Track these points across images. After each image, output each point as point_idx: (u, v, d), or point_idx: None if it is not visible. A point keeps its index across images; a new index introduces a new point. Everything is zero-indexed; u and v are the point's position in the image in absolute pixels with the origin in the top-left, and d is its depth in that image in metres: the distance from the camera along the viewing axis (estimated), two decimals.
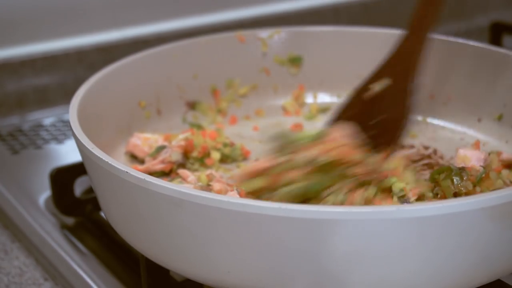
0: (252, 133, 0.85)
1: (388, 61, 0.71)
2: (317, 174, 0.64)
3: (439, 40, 0.86)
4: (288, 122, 0.87)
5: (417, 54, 0.69)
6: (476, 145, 0.74)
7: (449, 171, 0.67)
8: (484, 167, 0.70)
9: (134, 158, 0.78)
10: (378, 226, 0.51)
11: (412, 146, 0.81)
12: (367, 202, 0.64)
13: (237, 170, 0.77)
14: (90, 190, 0.79)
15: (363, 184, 0.65)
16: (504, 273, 0.59)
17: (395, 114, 0.69)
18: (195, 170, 0.76)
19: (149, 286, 0.64)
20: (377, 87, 0.65)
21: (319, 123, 0.85)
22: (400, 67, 0.69)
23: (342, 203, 0.63)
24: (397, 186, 0.67)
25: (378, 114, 0.69)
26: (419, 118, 0.86)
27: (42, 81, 1.06)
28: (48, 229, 0.76)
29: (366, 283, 0.54)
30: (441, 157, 0.79)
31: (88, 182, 0.77)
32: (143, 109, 0.82)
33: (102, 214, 0.74)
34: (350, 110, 0.73)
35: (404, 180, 0.68)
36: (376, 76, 0.71)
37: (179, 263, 0.58)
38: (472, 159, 0.72)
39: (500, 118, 0.81)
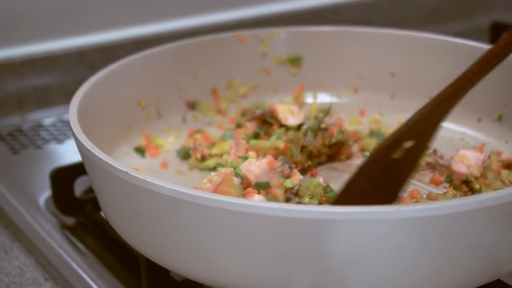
0: None
1: (411, 125, 0.64)
2: None
3: (439, 40, 0.86)
4: None
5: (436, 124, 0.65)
6: (480, 148, 0.74)
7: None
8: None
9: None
10: (378, 226, 0.51)
11: None
12: None
13: None
14: (90, 190, 0.79)
15: None
16: (504, 273, 0.59)
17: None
18: None
19: (149, 286, 0.64)
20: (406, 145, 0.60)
21: None
22: (420, 133, 0.64)
23: None
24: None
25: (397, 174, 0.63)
26: None
27: (42, 81, 1.06)
28: (48, 229, 0.76)
29: (366, 283, 0.54)
30: (441, 157, 0.79)
31: (88, 182, 0.77)
32: (143, 109, 0.82)
33: (102, 214, 0.74)
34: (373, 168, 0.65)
35: None
36: (402, 138, 0.63)
37: (179, 263, 0.58)
38: (471, 159, 0.72)
39: (500, 118, 0.81)
